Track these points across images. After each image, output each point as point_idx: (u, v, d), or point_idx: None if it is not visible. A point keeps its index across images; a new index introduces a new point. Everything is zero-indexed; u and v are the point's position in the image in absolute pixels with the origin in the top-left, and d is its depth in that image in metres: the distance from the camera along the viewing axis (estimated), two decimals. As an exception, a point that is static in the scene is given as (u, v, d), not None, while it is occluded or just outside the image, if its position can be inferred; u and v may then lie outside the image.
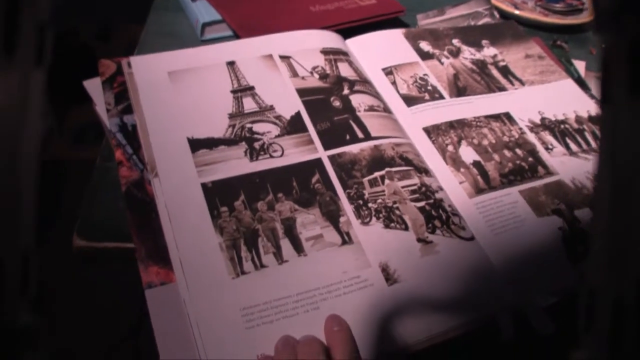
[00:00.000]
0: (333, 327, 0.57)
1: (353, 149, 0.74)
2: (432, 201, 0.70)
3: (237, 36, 0.96)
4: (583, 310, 0.26)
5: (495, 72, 0.93)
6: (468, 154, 0.78)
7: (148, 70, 0.77)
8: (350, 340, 0.56)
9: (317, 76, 0.82)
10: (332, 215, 0.67)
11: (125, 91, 0.75)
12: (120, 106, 0.74)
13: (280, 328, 0.58)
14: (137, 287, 0.60)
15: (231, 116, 0.75)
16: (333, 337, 0.56)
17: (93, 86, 0.78)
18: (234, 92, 0.78)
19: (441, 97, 0.86)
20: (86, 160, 0.83)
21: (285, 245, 0.64)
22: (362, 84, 0.83)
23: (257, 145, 0.72)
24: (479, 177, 0.76)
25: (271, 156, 0.72)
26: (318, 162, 0.72)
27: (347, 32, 0.92)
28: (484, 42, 0.98)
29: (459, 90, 0.88)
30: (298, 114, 0.77)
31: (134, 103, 0.73)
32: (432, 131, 0.80)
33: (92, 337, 1.53)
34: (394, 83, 0.86)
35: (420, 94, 0.85)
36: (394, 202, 0.69)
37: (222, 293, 0.59)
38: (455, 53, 0.95)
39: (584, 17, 1.13)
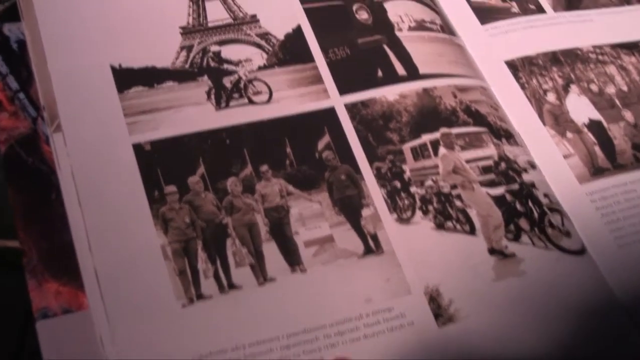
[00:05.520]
0: None
1: (387, 93, 0.73)
2: (516, 187, 0.70)
3: None
4: None
5: (631, -30, 0.91)
6: (581, 108, 0.78)
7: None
8: None
9: (331, -33, 0.81)
10: (350, 205, 0.67)
11: (7, -18, 0.74)
12: (-2, 7, 0.73)
13: (260, 391, 0.58)
14: (24, 313, 0.61)
15: (186, 32, 0.74)
16: None
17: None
18: (190, -10, 0.77)
19: (539, 9, 0.85)
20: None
21: (271, 252, 0.64)
22: (407, -18, 0.82)
23: (227, 82, 0.72)
24: (597, 149, 0.75)
25: (251, 101, 0.71)
26: (329, 114, 0.71)
27: None
28: None
29: (569, -1, 0.87)
30: (298, 31, 0.76)
31: (22, 3, 0.72)
32: (522, 67, 0.79)
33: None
34: (460, -18, 0.86)
35: (503, 2, 0.85)
36: (454, 187, 0.69)
37: (166, 330, 0.59)
38: None
39: None
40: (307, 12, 0.77)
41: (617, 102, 0.78)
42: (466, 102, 0.73)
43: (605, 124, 0.76)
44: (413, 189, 0.68)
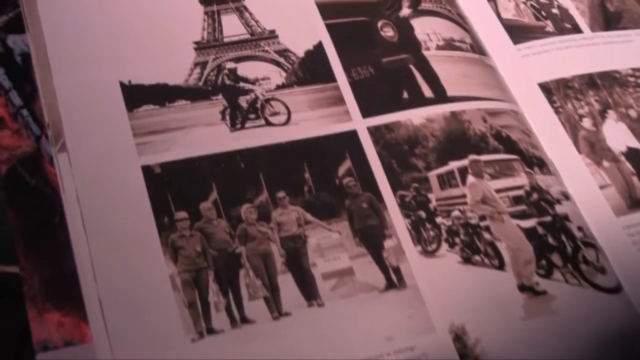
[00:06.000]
0: None
1: (413, 117, 0.73)
2: (549, 219, 0.70)
3: None
4: None
5: (674, -13, 0.91)
6: (619, 135, 0.78)
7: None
8: None
9: (355, -19, 0.82)
10: (372, 236, 0.68)
11: (11, -10, 0.75)
12: (0, 18, 0.73)
13: None
14: (20, 344, 0.61)
15: (200, 47, 0.75)
16: None
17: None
18: (205, 2, 0.78)
19: (575, 29, 0.85)
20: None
21: (287, 285, 0.65)
22: (436, -2, 0.83)
23: (243, 101, 0.72)
24: (635, 179, 0.75)
25: (268, 123, 0.72)
26: (350, 137, 0.72)
27: None
28: None
29: (607, 18, 0.87)
30: (319, 48, 0.76)
31: (27, 14, 0.72)
32: (556, 90, 0.79)
33: None
34: (492, -1, 0.86)
35: (537, 21, 0.85)
36: (482, 218, 0.69)
37: (174, 366, 0.59)
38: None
39: None
40: (329, 28, 0.77)
41: (658, 129, 0.77)
42: (497, 127, 0.74)
43: (644, 152, 0.76)
44: (439, 220, 0.69)
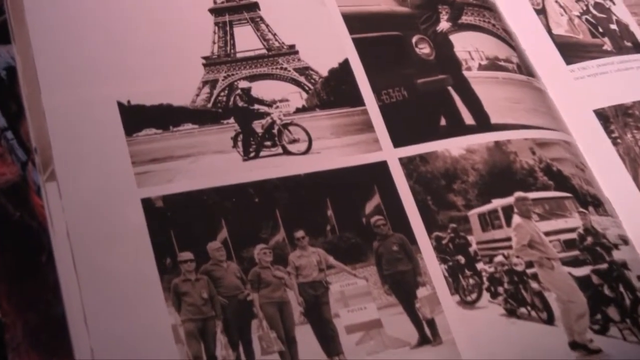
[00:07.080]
0: None
1: (451, 147, 0.73)
2: (605, 266, 0.70)
3: None
4: None
5: None
6: (686, 171, 0.77)
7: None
8: None
9: (386, -10, 0.82)
10: (403, 283, 0.68)
11: (-4, -5, 0.75)
12: (-16, 26, 0.74)
13: None
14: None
15: (209, 63, 0.75)
16: None
17: None
18: (216, 12, 0.78)
19: (636, 47, 0.85)
20: None
21: (306, 338, 0.64)
22: (479, 10, 0.83)
23: (258, 126, 0.72)
24: None
25: (286, 151, 0.72)
26: (380, 169, 0.72)
27: None
28: None
29: (674, 36, 0.86)
30: (344, 67, 0.76)
31: (14, 22, 0.73)
32: (614, 118, 0.79)
33: None
34: (541, 12, 0.86)
35: (594, 38, 0.85)
36: (529, 264, 0.69)
37: None
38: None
39: None
40: (357, 43, 0.77)
41: None
42: (546, 160, 0.74)
43: None
44: (480, 266, 0.69)
